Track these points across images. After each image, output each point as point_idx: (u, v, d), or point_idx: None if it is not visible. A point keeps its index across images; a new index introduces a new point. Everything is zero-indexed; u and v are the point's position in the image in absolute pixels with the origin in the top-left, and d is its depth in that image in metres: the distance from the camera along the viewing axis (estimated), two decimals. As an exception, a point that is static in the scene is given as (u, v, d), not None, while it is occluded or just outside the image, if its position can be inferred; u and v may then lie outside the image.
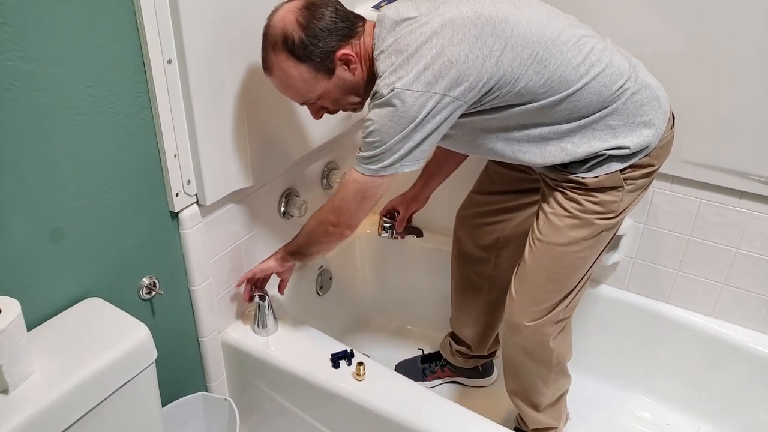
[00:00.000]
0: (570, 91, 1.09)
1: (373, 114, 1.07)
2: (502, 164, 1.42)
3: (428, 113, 1.04)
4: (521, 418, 1.50)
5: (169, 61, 1.08)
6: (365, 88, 1.16)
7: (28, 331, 0.93)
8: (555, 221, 1.22)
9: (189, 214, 1.24)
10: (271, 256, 1.39)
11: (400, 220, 1.58)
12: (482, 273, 1.57)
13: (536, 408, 1.44)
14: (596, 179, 1.17)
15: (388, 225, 1.55)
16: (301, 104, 1.18)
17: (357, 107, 1.21)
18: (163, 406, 1.19)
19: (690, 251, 1.55)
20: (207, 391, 1.46)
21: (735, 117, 1.36)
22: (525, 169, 1.36)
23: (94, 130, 1.01)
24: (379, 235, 1.58)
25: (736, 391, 1.57)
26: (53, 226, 1.00)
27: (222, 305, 1.42)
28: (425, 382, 1.75)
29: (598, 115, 1.13)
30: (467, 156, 1.46)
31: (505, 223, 1.49)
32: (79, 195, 1.03)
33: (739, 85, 1.33)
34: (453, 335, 1.72)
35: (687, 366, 1.63)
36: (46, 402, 0.90)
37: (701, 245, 1.53)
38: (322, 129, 1.54)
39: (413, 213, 1.62)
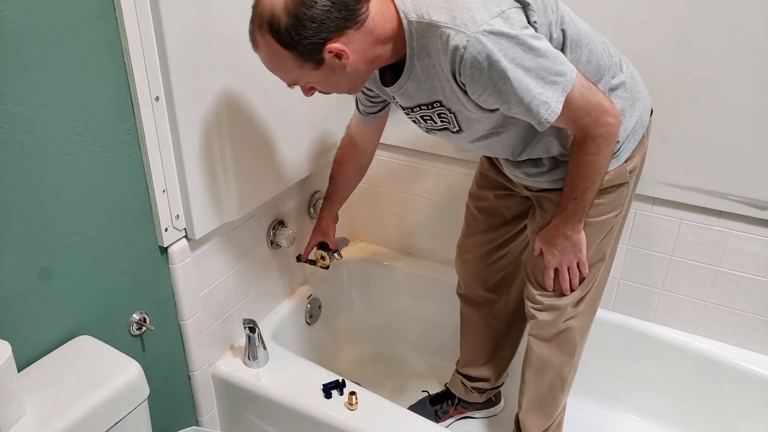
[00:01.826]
0: (587, 41, 1.11)
1: (498, 70, 0.95)
2: (482, 198, 1.44)
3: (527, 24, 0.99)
4: None
5: (157, 99, 1.10)
6: (367, 71, 1.05)
7: (18, 371, 0.92)
8: None
9: (178, 249, 1.24)
10: (558, 237, 1.22)
11: (333, 244, 1.59)
12: (495, 312, 1.58)
13: (546, 422, 1.46)
14: (606, 177, 1.17)
15: (329, 253, 1.57)
16: (289, 86, 1.07)
17: (351, 92, 1.13)
18: (154, 443, 1.18)
19: (672, 270, 1.58)
20: (198, 425, 1.45)
21: (712, 139, 1.40)
22: (510, 191, 1.37)
23: (82, 168, 1.02)
24: (327, 267, 1.59)
25: (721, 406, 1.59)
26: (42, 266, 1.00)
27: (212, 338, 1.42)
28: (440, 424, 1.69)
29: (612, 81, 1.15)
30: (363, 175, 1.52)
31: (506, 258, 1.50)
32: (68, 233, 1.03)
33: (715, 108, 1.37)
34: (465, 375, 1.70)
35: (673, 383, 1.65)
36: (37, 444, 0.90)
37: (683, 264, 1.56)
38: (307, 160, 1.56)
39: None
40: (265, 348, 1.43)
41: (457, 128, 1.13)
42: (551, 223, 1.23)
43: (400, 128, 1.74)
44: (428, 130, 1.20)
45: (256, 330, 1.40)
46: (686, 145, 1.43)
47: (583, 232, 1.21)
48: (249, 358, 1.43)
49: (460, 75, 0.98)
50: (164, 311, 1.28)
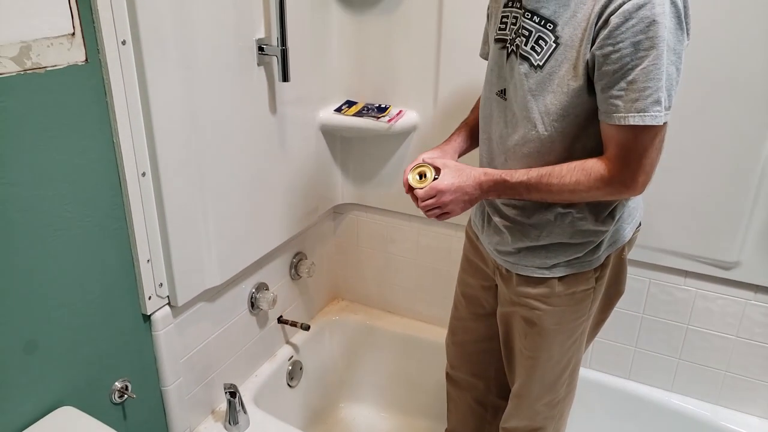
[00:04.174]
0: None
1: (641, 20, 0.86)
2: (466, 284, 1.38)
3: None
4: None
5: (143, 174, 1.15)
6: None
7: (-2, 446, 0.93)
8: (536, 334, 1.20)
9: (161, 316, 1.27)
10: (467, 188, 1.06)
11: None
12: (479, 398, 1.53)
13: None
14: (565, 282, 1.13)
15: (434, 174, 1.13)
16: None
17: None
18: None
19: (645, 328, 1.62)
20: (178, 493, 1.44)
21: (678, 202, 1.46)
22: (490, 282, 1.33)
23: (70, 243, 1.06)
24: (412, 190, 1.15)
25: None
26: (27, 339, 1.02)
27: (193, 403, 1.43)
28: None
29: None
30: None
31: (497, 353, 1.38)
32: (55, 306, 1.06)
33: (680, 173, 1.43)
34: None
35: (652, 441, 1.67)
36: None
37: (654, 322, 1.61)
38: (288, 224, 1.61)
39: None
40: (245, 412, 1.44)
41: (541, 64, 0.98)
42: (474, 170, 1.07)
43: (380, 190, 1.80)
44: (507, 51, 1.06)
45: (237, 395, 1.41)
46: (652, 207, 1.50)
47: (475, 192, 1.07)
48: (230, 423, 1.43)
49: (611, 14, 0.88)
50: (146, 378, 1.29)
